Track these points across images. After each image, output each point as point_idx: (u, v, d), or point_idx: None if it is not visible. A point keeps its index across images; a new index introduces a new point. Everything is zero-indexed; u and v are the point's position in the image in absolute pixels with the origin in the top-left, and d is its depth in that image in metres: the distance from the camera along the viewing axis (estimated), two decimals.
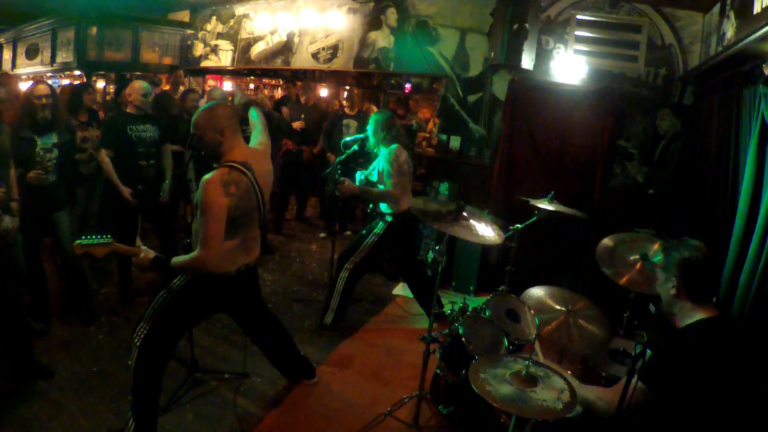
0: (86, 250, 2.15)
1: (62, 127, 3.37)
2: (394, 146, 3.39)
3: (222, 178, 2.06)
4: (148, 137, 3.74)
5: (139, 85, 3.77)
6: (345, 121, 5.79)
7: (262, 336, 2.76)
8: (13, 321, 2.74)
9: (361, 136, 3.79)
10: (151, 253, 2.21)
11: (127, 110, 3.80)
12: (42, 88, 3.21)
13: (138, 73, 7.27)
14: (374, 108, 6.39)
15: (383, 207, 3.54)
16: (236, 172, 2.12)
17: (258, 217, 2.29)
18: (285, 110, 5.82)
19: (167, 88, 5.77)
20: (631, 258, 2.53)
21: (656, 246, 2.57)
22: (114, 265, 4.49)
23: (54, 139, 3.26)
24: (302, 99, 6.30)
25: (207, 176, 2.05)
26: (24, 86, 7.37)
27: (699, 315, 1.72)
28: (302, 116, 5.78)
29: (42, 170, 3.16)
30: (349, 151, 3.79)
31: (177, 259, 2.13)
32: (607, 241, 2.65)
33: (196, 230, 2.11)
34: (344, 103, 6.33)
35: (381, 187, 3.43)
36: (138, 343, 2.24)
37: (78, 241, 2.16)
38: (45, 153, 3.22)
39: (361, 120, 5.86)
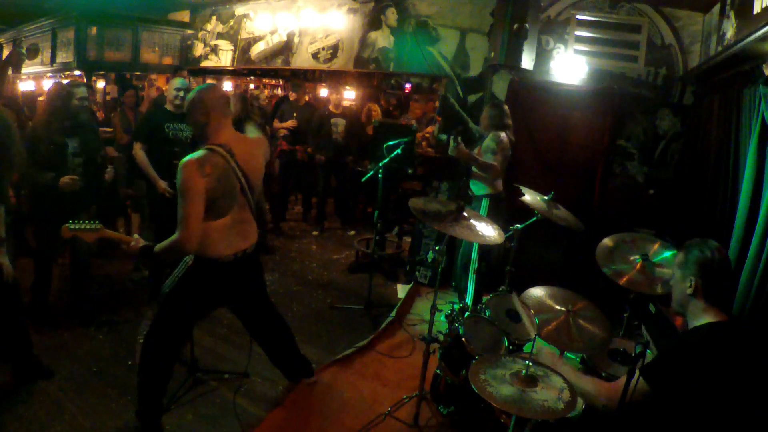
0: (75, 234, 2.17)
1: (88, 130, 3.36)
2: (501, 133, 3.65)
3: (199, 159, 2.08)
4: (185, 137, 3.68)
5: (174, 81, 3.75)
6: (333, 120, 5.83)
7: (263, 332, 2.74)
8: (13, 320, 2.74)
9: (405, 140, 3.91)
10: (141, 242, 2.22)
11: (166, 107, 3.75)
12: (82, 91, 3.21)
13: (137, 73, 7.28)
14: (375, 107, 6.40)
15: (475, 187, 3.76)
16: (214, 154, 2.13)
17: (246, 201, 2.29)
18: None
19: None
20: (631, 258, 2.53)
21: (656, 246, 2.57)
22: (114, 266, 4.51)
23: (76, 142, 3.24)
24: (293, 98, 6.29)
25: (185, 158, 2.08)
26: (24, 86, 7.40)
27: (709, 317, 1.71)
28: (294, 115, 5.79)
29: (75, 175, 3.15)
30: (392, 154, 3.87)
31: (160, 245, 2.15)
32: (607, 241, 2.64)
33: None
34: (330, 99, 6.42)
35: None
36: (141, 341, 2.27)
37: (66, 225, 2.18)
38: (74, 158, 3.22)
39: (348, 119, 5.92)
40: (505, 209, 3.75)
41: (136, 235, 2.26)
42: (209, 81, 8.34)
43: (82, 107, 3.22)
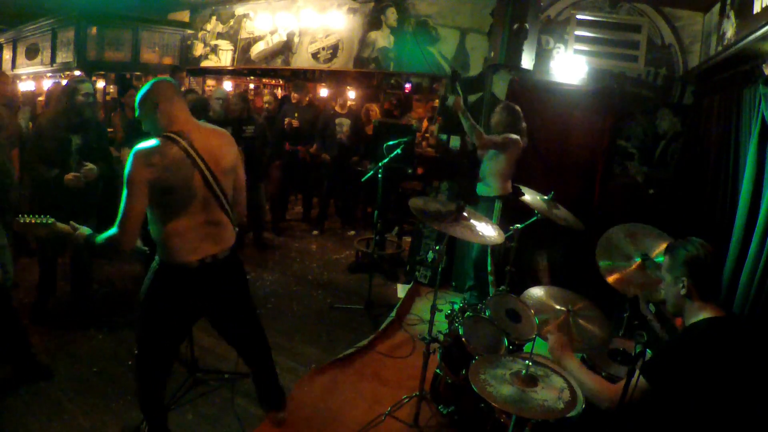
0: (25, 229, 2.09)
1: (92, 127, 3.33)
2: (513, 135, 3.68)
3: (147, 148, 1.92)
4: None
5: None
6: (338, 120, 5.83)
7: (242, 346, 2.52)
8: (11, 321, 2.73)
9: (405, 139, 3.88)
10: (86, 231, 2.08)
11: None
12: (87, 87, 3.20)
13: (137, 73, 7.28)
14: (373, 107, 6.40)
15: (487, 188, 3.76)
16: (168, 143, 1.95)
17: (215, 197, 2.06)
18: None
19: None
20: (632, 256, 2.51)
21: (662, 246, 2.55)
22: (114, 266, 4.51)
23: (79, 139, 3.23)
24: (295, 99, 6.29)
25: (135, 146, 1.93)
26: (24, 86, 7.40)
27: (705, 314, 1.71)
28: (295, 114, 5.80)
29: (78, 171, 3.13)
30: (392, 154, 3.89)
31: (99, 238, 2.01)
32: (611, 233, 2.62)
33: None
34: (334, 102, 6.40)
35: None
36: (135, 352, 2.21)
37: (18, 218, 2.08)
38: (76, 153, 3.20)
39: (353, 119, 5.92)
40: (510, 210, 3.75)
41: (79, 227, 2.12)
42: (210, 81, 8.36)
43: (87, 103, 3.20)
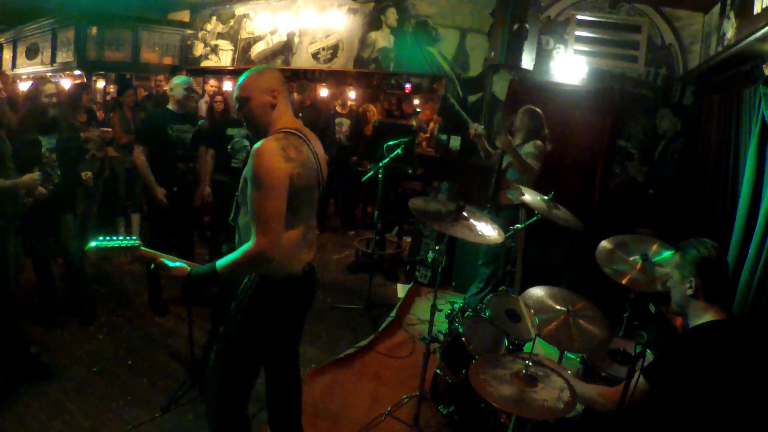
0: (105, 255, 1.68)
1: (64, 127, 3.32)
2: (539, 141, 3.57)
3: (279, 140, 1.67)
4: (187, 138, 3.47)
5: (181, 80, 3.48)
6: (338, 120, 5.83)
7: (279, 382, 2.23)
8: (8, 320, 2.73)
9: (405, 140, 3.86)
10: (187, 268, 1.74)
11: (169, 107, 3.50)
12: (49, 87, 3.17)
13: (138, 73, 7.30)
14: (370, 107, 6.41)
15: (510, 195, 3.60)
16: (293, 136, 1.74)
17: (317, 199, 1.91)
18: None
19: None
20: (631, 259, 2.53)
21: (655, 246, 2.57)
22: (113, 265, 4.50)
23: (54, 138, 3.23)
24: (298, 99, 6.28)
25: (259, 143, 1.65)
26: (24, 86, 7.41)
27: (708, 316, 1.71)
28: (299, 115, 5.80)
29: (49, 175, 3.10)
30: (392, 154, 3.94)
31: (224, 261, 1.68)
32: (606, 244, 2.63)
33: (246, 224, 1.71)
34: (336, 102, 6.41)
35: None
36: (215, 383, 1.95)
37: (95, 244, 1.66)
38: (50, 153, 3.19)
39: (354, 119, 5.92)
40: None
41: (182, 264, 1.77)
42: (211, 81, 8.36)
43: (51, 104, 3.14)
